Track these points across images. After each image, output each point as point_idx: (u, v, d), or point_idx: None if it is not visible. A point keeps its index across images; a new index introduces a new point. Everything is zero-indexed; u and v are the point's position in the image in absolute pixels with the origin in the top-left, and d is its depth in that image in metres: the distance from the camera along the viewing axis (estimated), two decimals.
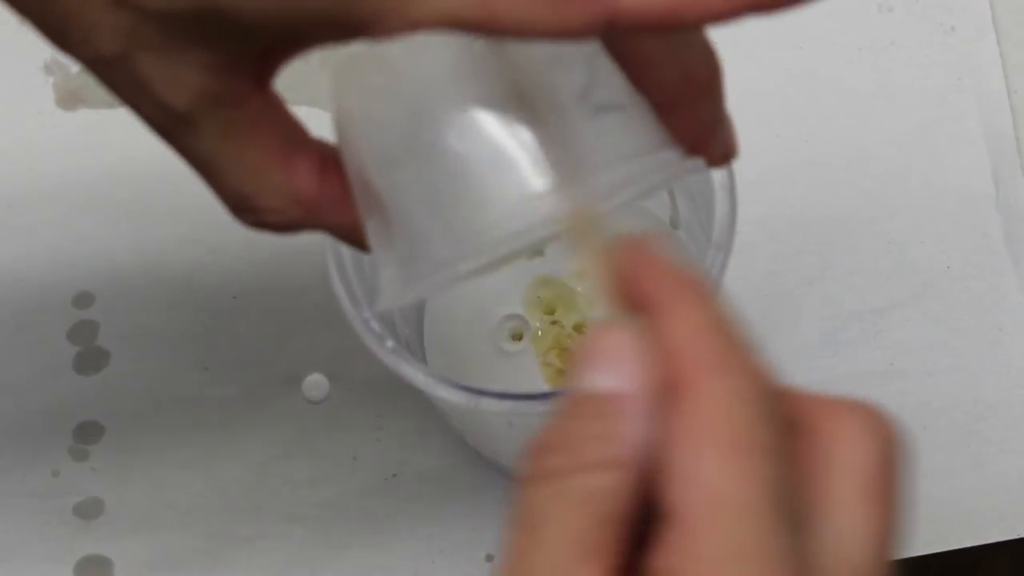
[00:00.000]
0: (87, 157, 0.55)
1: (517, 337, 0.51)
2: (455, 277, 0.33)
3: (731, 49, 0.55)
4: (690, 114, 0.33)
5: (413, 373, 0.41)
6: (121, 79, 0.32)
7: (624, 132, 0.33)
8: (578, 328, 0.51)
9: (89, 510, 0.53)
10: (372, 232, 0.34)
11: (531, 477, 0.29)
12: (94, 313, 0.54)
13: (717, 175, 0.42)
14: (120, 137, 0.55)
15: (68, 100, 0.56)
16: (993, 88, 0.55)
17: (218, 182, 0.34)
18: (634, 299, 0.30)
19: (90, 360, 0.54)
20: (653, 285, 0.30)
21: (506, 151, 0.32)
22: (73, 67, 0.56)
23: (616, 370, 0.30)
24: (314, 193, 0.34)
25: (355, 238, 0.35)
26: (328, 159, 0.35)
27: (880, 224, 0.54)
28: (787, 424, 0.29)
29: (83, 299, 0.54)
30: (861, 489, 0.29)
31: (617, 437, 0.29)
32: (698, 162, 0.34)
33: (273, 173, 0.34)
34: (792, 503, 0.28)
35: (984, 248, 0.54)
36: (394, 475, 0.53)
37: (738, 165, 0.42)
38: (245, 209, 0.34)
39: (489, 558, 0.52)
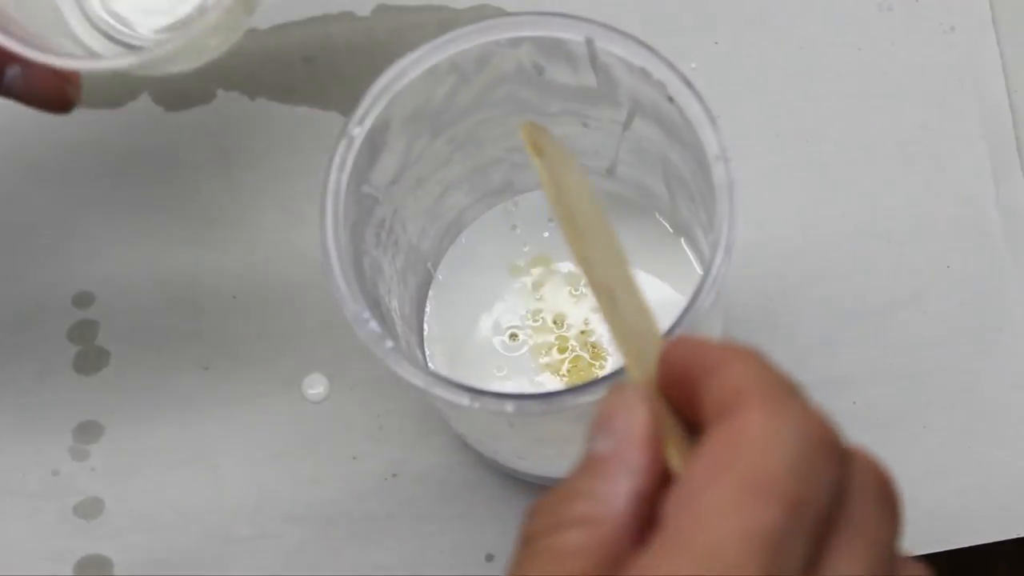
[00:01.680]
0: (87, 157, 0.55)
1: (516, 337, 0.51)
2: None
3: (731, 49, 0.56)
4: None
5: (413, 373, 0.41)
6: None
7: None
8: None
9: (89, 510, 0.53)
10: None
11: (519, 539, 0.30)
12: (94, 313, 0.54)
13: (717, 175, 0.42)
14: (120, 137, 0.55)
15: None
16: (993, 88, 0.55)
17: None
18: (684, 375, 0.31)
19: (90, 360, 0.54)
20: (709, 353, 0.31)
21: None
22: None
23: (610, 432, 0.30)
24: None
25: None
26: None
27: (880, 224, 0.54)
28: (835, 479, 0.29)
29: (83, 299, 0.54)
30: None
31: (593, 495, 0.30)
32: None
33: None
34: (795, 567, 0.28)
35: (984, 248, 0.54)
36: (394, 475, 0.53)
37: (738, 165, 0.42)
38: None
39: (489, 558, 0.52)
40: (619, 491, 0.29)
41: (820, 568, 0.29)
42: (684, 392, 0.31)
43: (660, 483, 0.30)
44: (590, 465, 0.30)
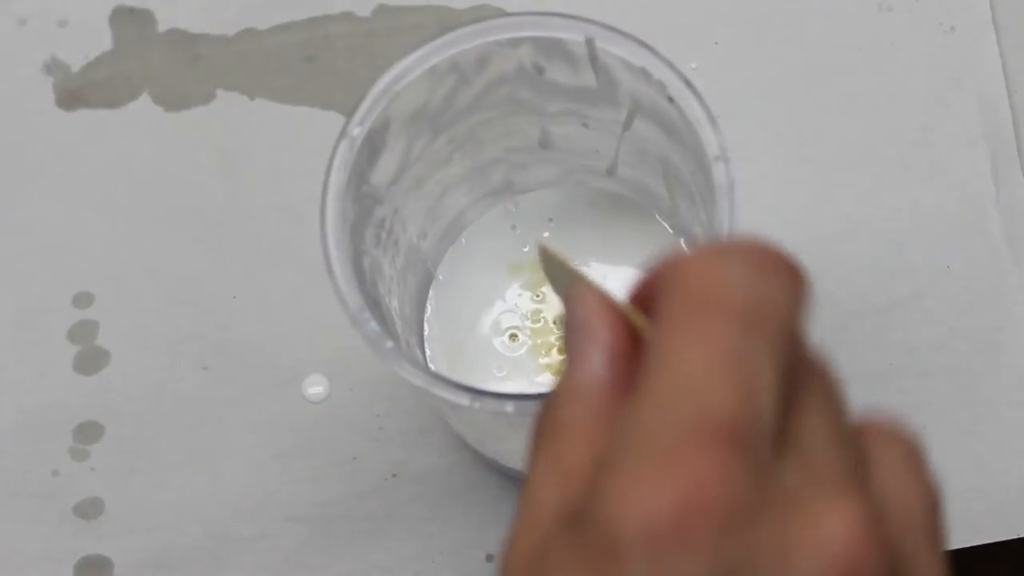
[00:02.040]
0: (87, 157, 0.55)
1: (516, 337, 0.51)
2: None
3: (731, 49, 0.56)
4: None
5: (413, 373, 0.41)
6: None
7: None
8: None
9: (89, 510, 0.53)
10: None
11: None
12: (94, 313, 0.54)
13: (717, 175, 0.42)
14: (120, 137, 0.55)
15: (68, 100, 0.56)
16: (993, 88, 0.55)
17: None
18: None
19: (90, 360, 0.54)
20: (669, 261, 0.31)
21: None
22: (73, 67, 0.56)
23: (570, 327, 0.31)
24: None
25: None
26: None
27: (880, 224, 0.54)
28: (793, 290, 0.29)
29: (83, 299, 0.54)
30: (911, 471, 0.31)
31: (571, 374, 0.31)
32: None
33: None
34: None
35: (984, 248, 0.54)
36: (394, 475, 0.53)
37: (738, 165, 0.42)
38: None
39: (489, 558, 0.52)
40: (592, 359, 0.30)
41: (804, 373, 0.29)
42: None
43: (636, 345, 0.31)
44: (565, 360, 0.31)
